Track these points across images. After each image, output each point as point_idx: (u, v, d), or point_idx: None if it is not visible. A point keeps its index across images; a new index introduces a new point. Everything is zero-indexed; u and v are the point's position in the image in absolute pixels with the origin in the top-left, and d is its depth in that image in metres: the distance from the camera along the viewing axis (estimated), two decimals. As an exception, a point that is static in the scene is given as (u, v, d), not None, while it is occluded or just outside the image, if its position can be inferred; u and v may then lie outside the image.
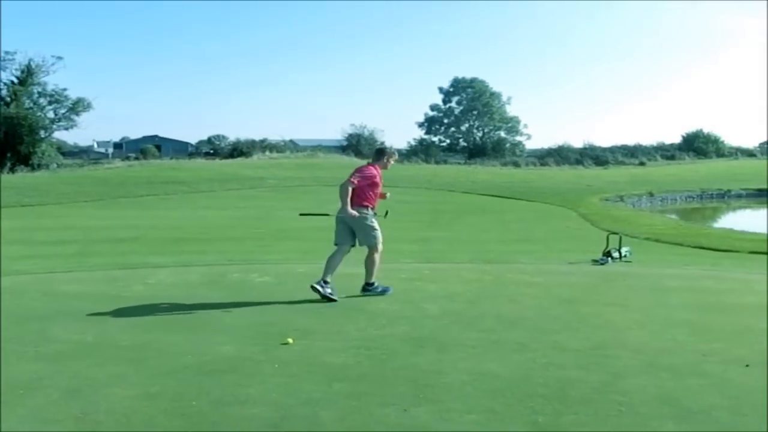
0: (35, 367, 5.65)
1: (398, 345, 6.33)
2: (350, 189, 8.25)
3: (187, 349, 6.22)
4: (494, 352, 6.08)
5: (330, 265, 8.37)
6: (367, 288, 8.59)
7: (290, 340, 6.42)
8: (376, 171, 8.59)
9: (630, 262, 11.75)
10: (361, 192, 8.41)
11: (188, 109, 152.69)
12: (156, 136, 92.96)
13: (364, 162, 9.07)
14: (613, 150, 69.04)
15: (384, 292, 8.57)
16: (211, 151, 66.40)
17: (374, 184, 8.53)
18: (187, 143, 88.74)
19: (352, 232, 8.52)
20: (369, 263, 8.56)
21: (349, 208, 8.24)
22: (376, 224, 8.56)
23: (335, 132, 68.51)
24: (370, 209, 8.52)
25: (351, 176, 8.34)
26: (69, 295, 8.82)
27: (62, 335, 6.69)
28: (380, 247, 8.51)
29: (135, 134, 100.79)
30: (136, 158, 53.84)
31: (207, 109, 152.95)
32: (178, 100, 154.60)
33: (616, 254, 11.83)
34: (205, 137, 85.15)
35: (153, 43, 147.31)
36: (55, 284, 9.51)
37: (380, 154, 8.87)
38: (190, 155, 65.90)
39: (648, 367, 5.64)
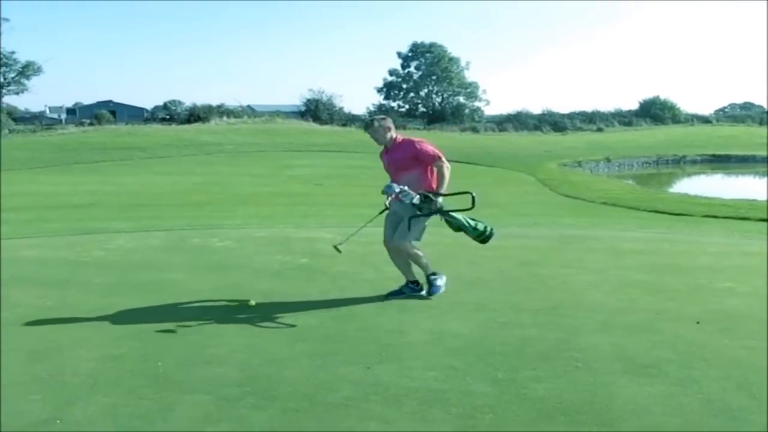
0: (-3, 331, 5.64)
1: (360, 306, 6.43)
2: None
3: (149, 312, 6.26)
4: (454, 312, 6.20)
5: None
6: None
7: (252, 303, 6.48)
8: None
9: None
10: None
11: (143, 74, 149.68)
12: (110, 101, 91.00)
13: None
14: (571, 116, 69.08)
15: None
16: (167, 117, 65.17)
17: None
18: (142, 109, 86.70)
19: None
20: None
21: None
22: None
23: (293, 98, 67.34)
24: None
25: None
26: (28, 260, 8.75)
27: (23, 300, 6.67)
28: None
29: (88, 100, 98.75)
30: (91, 124, 52.61)
31: (162, 74, 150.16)
32: (132, 65, 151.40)
33: None
34: (160, 103, 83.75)
35: (105, 5, 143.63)
36: (12, 250, 9.37)
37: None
38: (146, 121, 64.59)
39: (603, 325, 5.79)
